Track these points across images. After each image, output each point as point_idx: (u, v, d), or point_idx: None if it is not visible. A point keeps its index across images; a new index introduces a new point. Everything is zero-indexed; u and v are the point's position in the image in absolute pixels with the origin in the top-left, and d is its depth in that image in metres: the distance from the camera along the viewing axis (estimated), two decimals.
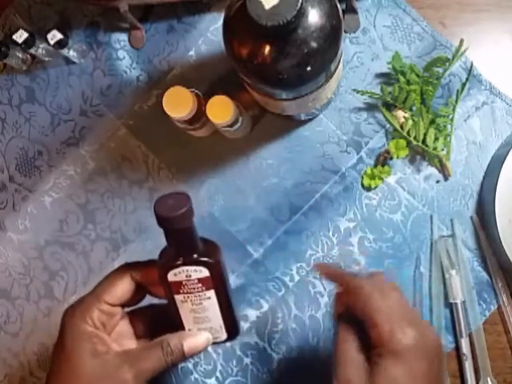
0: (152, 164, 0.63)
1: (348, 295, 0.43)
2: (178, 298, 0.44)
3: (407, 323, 0.40)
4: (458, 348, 0.57)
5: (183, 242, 0.42)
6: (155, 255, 0.45)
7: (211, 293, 0.43)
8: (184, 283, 0.43)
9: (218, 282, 0.43)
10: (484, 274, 0.58)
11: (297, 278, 0.60)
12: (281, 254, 0.61)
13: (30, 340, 0.64)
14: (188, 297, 0.43)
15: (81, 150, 0.64)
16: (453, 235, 0.58)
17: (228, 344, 0.60)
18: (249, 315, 0.60)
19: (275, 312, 0.60)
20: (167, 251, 0.44)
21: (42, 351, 0.63)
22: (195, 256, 0.42)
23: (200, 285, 0.43)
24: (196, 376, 0.61)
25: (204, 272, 0.42)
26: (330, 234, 0.60)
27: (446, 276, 0.57)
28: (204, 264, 0.42)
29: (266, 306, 0.60)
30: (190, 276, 0.42)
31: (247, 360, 0.60)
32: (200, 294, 0.43)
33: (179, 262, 0.42)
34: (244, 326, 0.60)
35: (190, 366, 0.61)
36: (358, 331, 0.42)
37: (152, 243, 0.62)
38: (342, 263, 0.60)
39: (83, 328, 0.42)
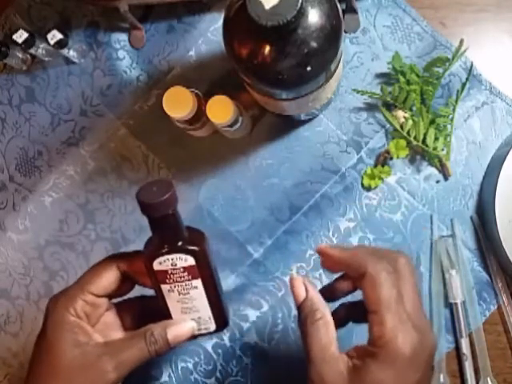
0: (152, 164, 0.63)
1: (360, 280, 0.40)
2: (165, 287, 0.43)
3: (412, 328, 0.38)
4: (458, 348, 0.57)
5: (167, 229, 0.41)
6: None
7: (198, 282, 0.43)
8: (170, 272, 0.42)
9: (204, 270, 0.43)
10: (484, 274, 0.58)
11: None
12: (281, 254, 0.61)
13: (30, 340, 0.64)
14: (174, 286, 0.43)
15: (81, 150, 0.64)
16: (453, 235, 0.58)
17: (228, 344, 0.60)
18: (249, 315, 0.60)
19: (275, 312, 0.60)
20: (152, 240, 0.43)
21: None
22: (180, 244, 0.42)
23: (186, 274, 0.42)
24: (196, 376, 0.61)
25: (189, 260, 0.42)
26: (330, 234, 0.60)
27: (446, 276, 0.57)
28: (189, 252, 0.42)
29: (266, 306, 0.60)
30: (176, 265, 0.42)
31: (247, 360, 0.60)
32: (186, 283, 0.43)
33: (164, 251, 0.42)
34: (244, 326, 0.60)
35: (190, 366, 0.61)
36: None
37: None
38: None
39: (66, 318, 0.42)
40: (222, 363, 0.60)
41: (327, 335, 0.39)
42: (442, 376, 0.56)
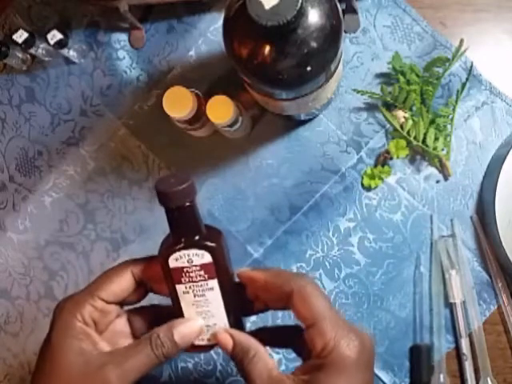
0: (152, 164, 0.63)
1: (288, 300, 0.40)
2: (180, 288, 0.42)
3: (350, 331, 0.38)
4: (457, 348, 0.57)
5: (184, 222, 0.40)
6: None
7: (214, 283, 0.42)
8: (186, 270, 0.41)
9: (220, 270, 0.41)
10: (484, 274, 0.58)
11: None
12: (281, 254, 0.61)
13: (30, 340, 0.64)
14: (190, 287, 0.42)
15: (81, 150, 0.64)
16: (453, 235, 0.58)
17: None
18: None
19: (275, 312, 0.60)
20: (168, 237, 0.42)
21: None
22: (197, 238, 0.41)
23: (202, 272, 0.41)
24: (196, 376, 0.61)
25: (206, 257, 0.41)
26: (330, 234, 0.60)
27: (446, 276, 0.57)
28: (206, 248, 0.41)
29: None
30: (192, 261, 0.41)
31: None
32: (202, 283, 0.42)
33: (180, 246, 0.41)
34: None
35: (190, 366, 0.61)
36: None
37: (152, 243, 0.62)
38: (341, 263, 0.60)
39: (72, 324, 0.41)
40: (222, 363, 0.60)
41: (266, 365, 0.40)
42: (442, 376, 0.56)
